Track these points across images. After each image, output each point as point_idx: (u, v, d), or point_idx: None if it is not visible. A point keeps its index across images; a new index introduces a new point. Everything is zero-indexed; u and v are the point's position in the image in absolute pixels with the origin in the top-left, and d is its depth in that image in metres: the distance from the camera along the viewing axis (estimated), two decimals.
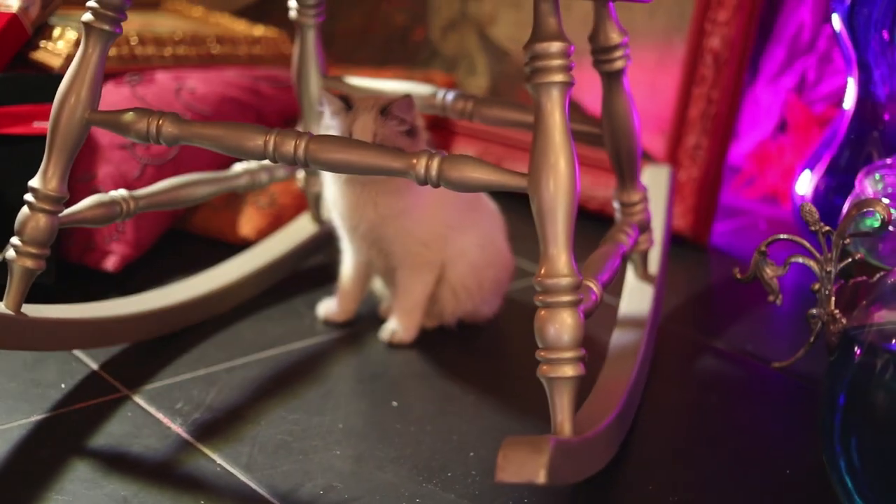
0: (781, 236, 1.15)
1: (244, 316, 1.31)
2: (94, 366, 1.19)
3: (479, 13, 1.75)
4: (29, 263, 1.06)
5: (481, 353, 1.28)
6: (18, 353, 1.19)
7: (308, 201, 1.42)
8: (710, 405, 1.18)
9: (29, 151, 1.33)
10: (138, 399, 1.13)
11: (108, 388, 1.15)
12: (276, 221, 1.48)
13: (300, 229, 1.41)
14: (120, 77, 1.51)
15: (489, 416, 1.13)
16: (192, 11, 1.82)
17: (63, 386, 1.15)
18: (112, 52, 1.51)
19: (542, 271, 0.91)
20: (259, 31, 1.71)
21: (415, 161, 0.94)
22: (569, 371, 0.91)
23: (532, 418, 1.12)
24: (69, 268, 1.36)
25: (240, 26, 1.74)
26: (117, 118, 1.04)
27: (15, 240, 1.06)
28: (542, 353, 0.92)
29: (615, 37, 1.17)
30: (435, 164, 0.94)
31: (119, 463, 1.02)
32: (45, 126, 1.28)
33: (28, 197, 1.06)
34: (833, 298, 1.10)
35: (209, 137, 1.01)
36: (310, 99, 1.31)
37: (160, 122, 1.02)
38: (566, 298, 0.91)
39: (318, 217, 1.42)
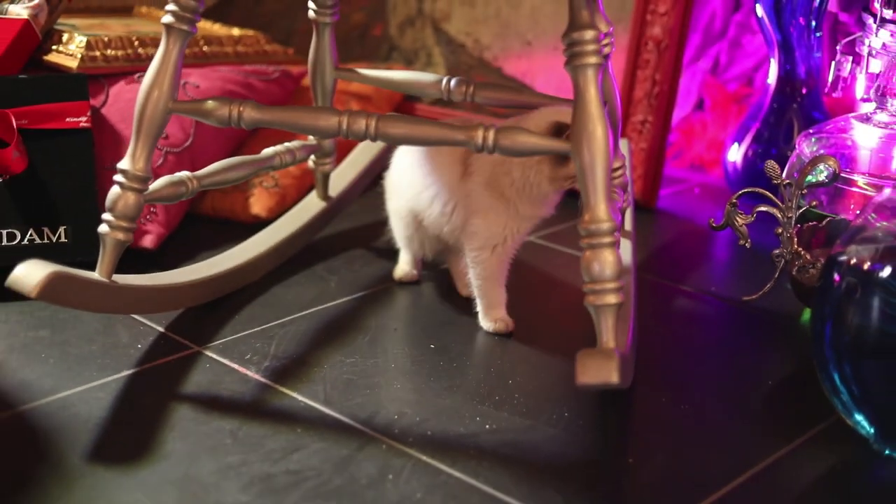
0: (749, 189, 1.37)
1: (276, 282, 1.48)
2: (160, 328, 1.34)
3: (433, 10, 1.94)
4: (120, 236, 1.21)
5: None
6: (89, 321, 1.34)
7: (315, 180, 1.59)
8: (691, 333, 1.40)
9: (65, 144, 1.47)
10: (210, 353, 1.29)
11: (180, 345, 1.30)
12: (283, 200, 1.64)
13: (311, 206, 1.58)
14: (130, 77, 1.65)
15: (516, 351, 1.33)
16: (160, 16, 1.96)
17: (139, 346, 1.30)
18: (119, 53, 1.66)
19: (586, 218, 1.11)
20: (236, 31, 1.86)
21: (473, 133, 1.13)
22: (612, 299, 1.11)
23: (551, 349, 1.33)
24: None
25: (215, 27, 1.89)
26: (200, 106, 1.20)
27: (107, 215, 1.21)
28: (589, 286, 1.11)
29: (602, 26, 1.35)
30: (491, 134, 1.13)
31: (214, 404, 1.19)
32: (78, 121, 1.44)
33: (118, 177, 1.21)
34: (795, 239, 1.33)
35: (287, 120, 1.18)
36: (325, 87, 1.48)
37: (241, 108, 1.18)
38: (607, 240, 1.11)
39: (324, 195, 1.59)
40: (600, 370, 1.02)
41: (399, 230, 1.44)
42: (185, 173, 1.28)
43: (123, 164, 1.20)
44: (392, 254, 1.52)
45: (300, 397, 1.20)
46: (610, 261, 1.11)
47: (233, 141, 1.69)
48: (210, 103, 1.18)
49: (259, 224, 1.60)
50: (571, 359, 1.07)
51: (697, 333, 1.41)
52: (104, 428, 1.13)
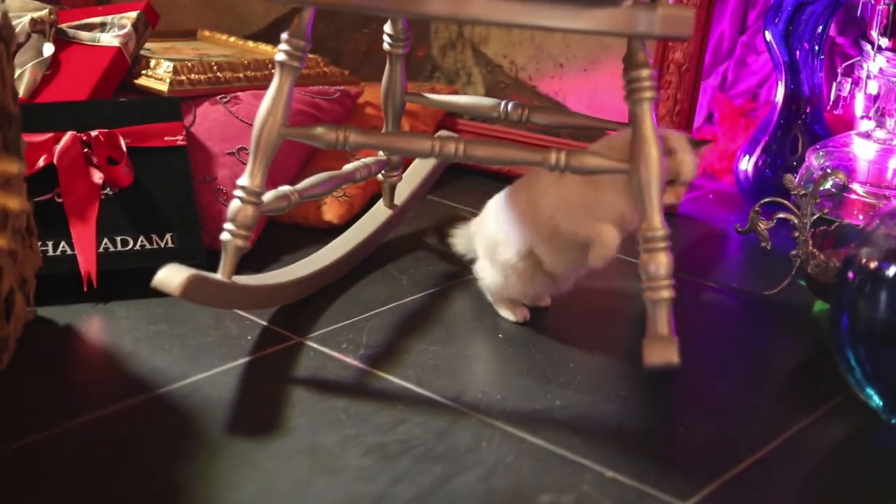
0: (770, 199, 1.59)
1: (355, 281, 1.68)
2: (264, 322, 1.54)
3: (473, 34, 2.15)
4: (239, 243, 1.41)
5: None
6: (199, 317, 1.54)
7: (383, 190, 1.79)
8: (719, 323, 1.62)
9: (165, 160, 1.68)
10: (311, 343, 1.49)
11: (284, 337, 1.51)
12: (351, 208, 1.85)
13: (379, 213, 1.78)
14: (213, 98, 1.85)
15: (570, 339, 1.54)
16: (225, 40, 2.16)
17: (248, 338, 1.50)
18: (201, 77, 1.86)
19: (644, 226, 1.33)
20: None
21: (548, 155, 1.34)
22: (665, 294, 1.33)
23: (598, 338, 1.54)
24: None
25: (272, 51, 2.09)
26: (309, 132, 1.40)
27: (228, 225, 1.41)
28: (646, 283, 1.33)
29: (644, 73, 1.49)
30: (563, 156, 1.34)
31: (323, 386, 1.39)
32: (174, 139, 1.64)
33: (238, 192, 1.41)
34: (810, 241, 1.55)
35: (387, 143, 1.39)
36: (395, 109, 1.69)
37: (346, 133, 1.39)
38: (661, 245, 1.32)
39: (390, 204, 1.80)
40: (664, 353, 1.23)
41: (515, 280, 1.52)
42: (287, 188, 1.49)
43: (242, 181, 1.41)
44: (451, 255, 1.72)
45: (395, 379, 1.41)
46: (664, 262, 1.32)
47: (304, 156, 1.89)
48: (319, 129, 1.39)
49: (330, 229, 1.80)
50: (618, 345, 1.28)
51: (724, 323, 1.62)
52: (234, 407, 1.34)
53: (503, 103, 1.65)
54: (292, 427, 1.29)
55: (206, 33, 2.18)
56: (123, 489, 1.16)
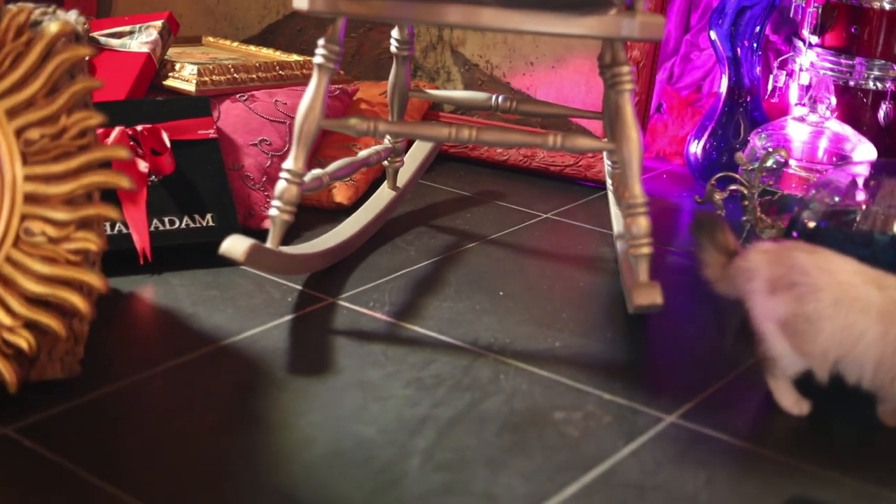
0: (723, 174, 1.89)
1: (369, 252, 1.95)
2: (299, 286, 1.80)
3: (451, 37, 2.43)
4: (286, 217, 1.67)
5: (537, 259, 1.97)
6: (243, 283, 1.79)
7: (387, 174, 2.06)
8: (681, 280, 1.91)
9: (200, 151, 1.93)
10: (343, 302, 1.76)
11: (318, 298, 1.77)
12: (357, 191, 2.11)
13: (384, 194, 2.05)
14: (233, 97, 2.10)
15: (559, 294, 1.83)
16: (228, 45, 2.41)
17: (289, 300, 1.76)
18: (222, 78, 2.11)
19: (626, 195, 1.61)
20: (296, 57, 2.32)
21: (546, 138, 1.62)
22: (645, 250, 1.61)
23: (581, 293, 1.83)
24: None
25: (275, 55, 2.34)
26: (345, 122, 1.67)
27: (276, 202, 1.67)
28: (630, 241, 1.61)
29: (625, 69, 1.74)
30: (559, 139, 1.62)
31: (361, 336, 1.66)
32: (207, 133, 1.89)
33: (283, 174, 1.66)
34: (758, 209, 1.85)
35: (410, 131, 1.66)
36: (401, 104, 1.96)
37: (376, 123, 1.65)
38: (641, 209, 1.61)
39: (394, 186, 2.07)
40: (650, 295, 1.52)
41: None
42: (319, 170, 1.75)
43: (287, 164, 1.66)
44: (447, 229, 2.00)
45: (420, 329, 1.68)
46: (644, 224, 1.61)
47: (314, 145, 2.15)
48: (353, 120, 1.65)
49: (340, 210, 2.06)
50: (601, 298, 1.57)
51: (687, 281, 1.92)
52: (289, 354, 1.60)
53: (494, 97, 1.92)
54: (341, 368, 1.56)
55: (211, 39, 2.43)
56: (207, 422, 1.42)
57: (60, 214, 1.37)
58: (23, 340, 1.36)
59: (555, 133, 1.62)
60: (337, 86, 2.26)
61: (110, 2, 2.65)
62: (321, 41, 1.65)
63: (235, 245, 1.57)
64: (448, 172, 2.35)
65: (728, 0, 2.22)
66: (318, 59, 1.65)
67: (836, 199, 1.67)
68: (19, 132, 1.37)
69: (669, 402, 1.51)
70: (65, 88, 1.38)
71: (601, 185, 2.23)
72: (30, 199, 1.37)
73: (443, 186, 2.28)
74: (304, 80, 2.25)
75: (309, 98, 1.65)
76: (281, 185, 1.66)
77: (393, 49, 1.93)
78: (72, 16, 1.78)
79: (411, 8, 1.55)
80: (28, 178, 1.37)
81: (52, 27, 1.38)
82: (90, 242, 1.38)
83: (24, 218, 1.37)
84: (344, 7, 1.58)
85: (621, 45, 1.60)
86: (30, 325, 1.37)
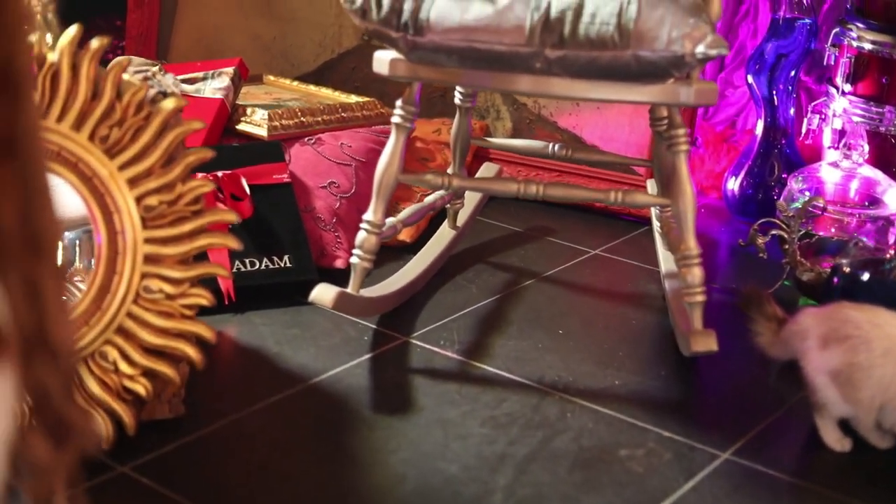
0: (766, 220, 2.03)
1: (434, 290, 2.09)
2: (373, 325, 1.94)
3: None
4: (366, 265, 1.81)
5: (590, 296, 2.11)
6: (322, 322, 1.93)
7: (448, 215, 2.20)
8: (726, 317, 2.05)
9: (275, 194, 2.07)
10: (415, 341, 1.90)
11: (392, 337, 1.91)
12: (418, 229, 2.25)
13: (445, 233, 2.19)
14: (302, 140, 2.25)
15: (614, 332, 1.97)
16: (288, 84, 2.56)
17: (365, 338, 1.90)
18: (291, 122, 2.25)
19: (682, 247, 1.75)
20: (352, 98, 2.46)
21: (609, 193, 1.77)
22: (699, 298, 1.75)
23: (634, 331, 1.97)
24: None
25: (335, 95, 2.48)
26: (420, 177, 1.81)
27: (357, 251, 1.81)
28: (685, 290, 1.76)
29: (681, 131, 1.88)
30: (620, 195, 1.77)
31: (435, 374, 1.80)
32: (281, 177, 2.04)
33: (363, 225, 1.80)
34: (798, 252, 1.99)
35: (481, 186, 1.80)
36: (463, 151, 2.10)
37: (450, 178, 1.80)
38: (695, 260, 1.75)
39: (454, 226, 2.21)
40: (706, 342, 1.67)
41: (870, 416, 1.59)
42: (393, 219, 1.89)
43: (368, 216, 1.81)
44: (503, 266, 2.14)
45: (489, 367, 1.82)
46: (698, 274, 1.75)
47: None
48: (429, 176, 1.80)
49: (404, 247, 2.21)
50: (652, 336, 1.72)
51: (729, 317, 2.06)
52: (372, 392, 1.74)
53: (551, 145, 2.06)
54: (421, 406, 1.70)
55: (271, 78, 2.57)
56: (304, 459, 1.57)
57: (176, 273, 1.51)
58: (141, 387, 1.51)
59: (616, 190, 1.76)
60: None
61: (168, 43, 2.79)
62: (399, 102, 1.79)
63: (324, 293, 1.72)
64: (499, 207, 2.49)
65: (766, 46, 2.36)
66: (395, 119, 1.79)
67: (872, 246, 1.81)
68: (139, 199, 1.51)
69: (723, 439, 1.66)
70: (180, 159, 1.52)
71: (643, 221, 2.37)
72: (149, 259, 1.51)
73: (496, 222, 2.42)
74: (365, 122, 2.39)
75: (388, 154, 1.79)
76: (361, 235, 1.80)
77: (457, 100, 2.07)
78: (169, 78, 1.93)
79: (486, 77, 1.69)
80: (147, 241, 1.51)
81: (168, 104, 1.52)
82: (202, 298, 1.53)
83: (143, 277, 1.51)
84: (422, 73, 1.72)
85: (677, 109, 1.74)
86: (147, 373, 1.51)
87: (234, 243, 1.52)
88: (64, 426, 0.69)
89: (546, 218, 2.45)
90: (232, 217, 1.53)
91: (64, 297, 0.68)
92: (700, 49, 1.57)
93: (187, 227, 1.52)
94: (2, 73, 0.60)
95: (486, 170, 2.35)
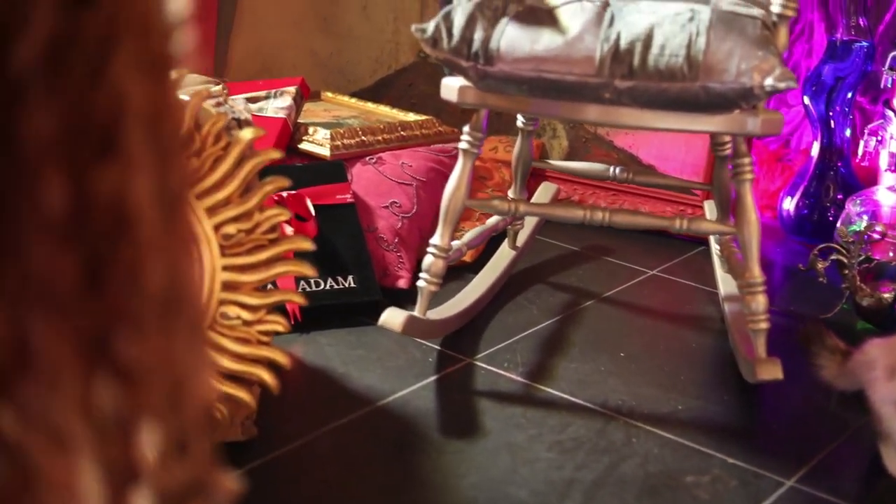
0: (826, 245, 2.04)
1: (496, 311, 2.12)
2: (437, 347, 1.97)
3: None
4: (433, 288, 1.84)
5: (649, 318, 2.13)
6: (387, 343, 1.96)
7: (508, 235, 2.23)
8: (785, 341, 2.07)
9: (338, 215, 2.10)
10: (479, 363, 1.93)
11: (456, 359, 1.94)
12: (478, 249, 2.28)
13: (505, 254, 2.22)
14: (363, 160, 2.28)
15: (675, 355, 1.99)
16: (346, 101, 2.59)
17: (430, 360, 1.93)
18: (352, 142, 2.28)
19: (746, 275, 1.77)
20: (409, 116, 2.49)
21: (674, 220, 1.79)
22: (763, 325, 1.77)
23: (695, 353, 1.99)
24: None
25: (393, 113, 2.51)
26: (487, 202, 1.83)
27: (424, 275, 1.84)
28: (749, 317, 1.77)
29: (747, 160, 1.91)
30: (685, 223, 1.79)
31: (500, 397, 1.83)
32: (344, 197, 2.06)
33: (431, 249, 1.83)
34: (857, 277, 2.01)
35: (547, 213, 1.83)
36: (524, 173, 2.12)
37: (517, 205, 1.82)
38: (760, 288, 1.77)
39: (514, 246, 2.23)
40: (772, 371, 1.68)
41: None
42: (458, 242, 1.92)
43: (435, 240, 1.83)
44: (563, 286, 2.16)
45: (553, 391, 1.85)
46: (762, 301, 1.77)
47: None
48: (496, 202, 1.82)
49: (464, 266, 2.23)
50: (713, 359, 1.73)
51: (784, 339, 2.07)
52: (440, 415, 1.77)
53: (612, 168, 2.09)
54: (489, 429, 1.73)
55: (329, 95, 2.60)
56: (375, 483, 1.59)
57: (254, 300, 1.55)
58: (218, 412, 1.54)
59: (680, 217, 1.79)
60: (454, 145, 2.42)
61: (224, 59, 2.82)
62: (466, 128, 1.82)
63: (393, 318, 1.75)
64: (556, 226, 2.51)
65: (823, 69, 2.37)
66: (462, 145, 1.82)
67: None
68: (218, 227, 1.54)
69: (787, 466, 1.67)
70: (257, 188, 1.56)
71: (699, 240, 2.38)
72: (227, 286, 1.54)
73: (553, 241, 2.44)
74: (424, 140, 2.42)
75: (455, 180, 1.82)
76: (428, 260, 1.83)
77: (519, 124, 2.09)
78: (240, 103, 1.96)
79: (554, 106, 1.71)
80: (225, 269, 1.54)
81: (246, 134, 1.55)
82: (279, 325, 1.56)
83: (221, 303, 1.54)
84: (491, 101, 1.75)
85: (742, 138, 1.76)
86: (223, 398, 1.55)
87: (309, 271, 1.55)
88: (201, 477, 0.71)
89: (602, 237, 2.47)
90: (308, 245, 1.56)
91: (204, 358, 0.70)
92: (769, 82, 1.59)
93: (264, 254, 1.55)
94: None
95: (545, 189, 2.37)
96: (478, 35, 1.68)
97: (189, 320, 0.66)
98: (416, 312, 1.83)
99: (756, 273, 1.76)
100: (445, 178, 2.26)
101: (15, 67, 0.51)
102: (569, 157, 2.54)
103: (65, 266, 0.53)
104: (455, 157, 2.29)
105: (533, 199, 2.33)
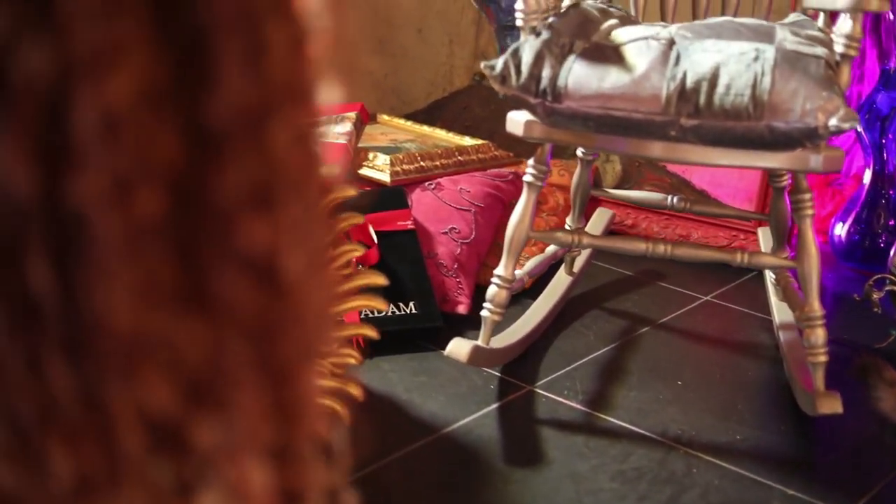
0: (881, 276, 2.07)
1: (554, 337, 2.16)
2: (497, 374, 2.01)
3: None
4: (496, 318, 1.88)
5: (705, 345, 2.17)
6: (447, 370, 2.00)
7: (566, 262, 2.26)
8: (839, 369, 2.10)
9: (399, 241, 2.14)
10: (539, 390, 1.97)
11: (517, 386, 1.98)
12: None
13: (564, 280, 2.25)
14: (422, 185, 2.32)
15: (731, 384, 2.02)
16: (403, 124, 2.63)
17: (491, 387, 1.97)
18: (411, 167, 2.32)
19: (805, 308, 1.80)
20: (465, 140, 2.53)
21: (735, 255, 1.82)
22: (822, 358, 1.80)
23: (751, 382, 2.02)
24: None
25: (449, 137, 2.55)
26: (551, 234, 1.87)
27: (488, 304, 1.88)
28: (808, 350, 1.81)
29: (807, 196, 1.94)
30: (747, 256, 1.82)
31: (562, 425, 1.86)
32: (405, 224, 2.10)
33: (495, 280, 1.87)
34: None
35: (610, 245, 1.86)
36: (583, 202, 2.16)
37: (580, 237, 1.86)
38: (819, 322, 1.80)
39: (570, 272, 2.27)
40: (831, 405, 1.71)
41: None
42: (520, 272, 1.96)
43: (499, 271, 1.87)
44: (618, 312, 2.20)
45: (614, 420, 1.88)
46: (821, 335, 1.80)
47: (495, 230, 2.37)
48: (559, 234, 1.86)
49: (523, 291, 2.27)
50: (770, 388, 1.76)
51: (838, 369, 2.10)
52: (503, 444, 1.81)
53: (669, 197, 2.12)
54: (552, 459, 1.76)
55: (385, 118, 2.64)
56: None
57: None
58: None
59: (742, 252, 1.82)
60: (510, 170, 2.46)
61: None
62: (531, 161, 1.85)
63: (459, 348, 1.79)
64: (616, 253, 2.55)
65: (877, 97, 2.40)
66: (527, 178, 1.86)
67: None
68: None
69: (845, 498, 1.70)
70: (332, 223, 1.60)
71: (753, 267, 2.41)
72: None
73: (607, 265, 2.48)
74: (480, 165, 2.45)
75: (519, 212, 1.86)
76: (492, 290, 1.87)
77: (579, 154, 2.13)
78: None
79: (620, 142, 1.75)
80: None
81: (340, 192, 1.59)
82: (352, 357, 1.60)
83: None
84: (557, 136, 1.78)
85: (804, 175, 1.79)
86: None
87: (381, 304, 1.59)
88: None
89: (655, 261, 2.50)
90: (382, 281, 1.60)
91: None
92: (833, 122, 1.62)
93: (339, 289, 1.59)
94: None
95: (600, 215, 2.41)
96: (546, 72, 1.72)
97: (318, 361, 0.73)
98: (480, 342, 1.87)
99: (815, 307, 1.79)
100: (502, 203, 2.31)
101: (213, 123, 0.57)
102: (622, 182, 2.57)
103: (255, 301, 0.60)
104: (511, 183, 2.34)
105: (589, 225, 2.36)
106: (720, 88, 1.66)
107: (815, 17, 1.89)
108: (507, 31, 2.67)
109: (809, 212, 1.79)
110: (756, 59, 1.67)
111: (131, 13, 0.56)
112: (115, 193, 0.61)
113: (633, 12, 2.07)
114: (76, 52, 0.57)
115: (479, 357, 1.82)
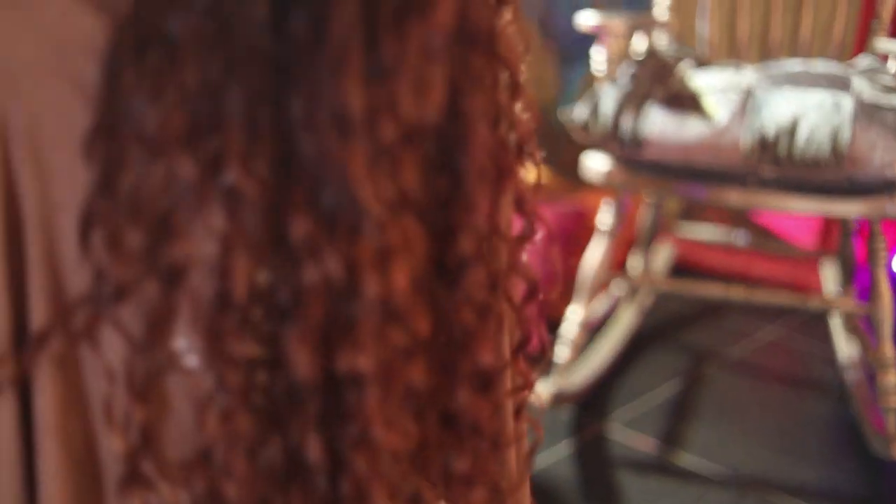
0: None
1: (622, 371, 2.20)
2: (569, 407, 2.05)
3: None
4: (572, 358, 1.92)
5: (771, 383, 2.20)
6: None
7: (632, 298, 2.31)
8: None
9: None
10: (610, 425, 2.01)
11: (588, 420, 2.02)
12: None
13: (631, 315, 2.30)
14: None
15: (800, 422, 2.06)
16: None
17: (563, 419, 2.01)
18: None
19: (878, 352, 1.84)
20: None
21: (809, 299, 1.86)
22: (895, 403, 1.84)
23: (818, 418, 2.06)
24: None
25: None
26: (629, 280, 1.91)
27: (563, 346, 1.92)
28: (882, 394, 1.84)
29: (882, 242, 1.97)
30: (820, 301, 1.85)
31: (633, 464, 1.90)
32: None
33: (570, 320, 1.92)
34: None
35: (689, 290, 1.90)
36: (649, 243, 2.20)
37: (657, 282, 1.90)
38: (892, 366, 1.84)
39: (638, 307, 2.31)
40: None
41: None
42: (594, 311, 2.00)
43: (574, 312, 1.91)
44: (683, 346, 2.24)
45: (685, 458, 1.92)
46: (893, 379, 1.83)
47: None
48: (634, 277, 1.90)
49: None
50: (835, 425, 1.80)
51: None
52: (579, 484, 1.85)
53: (733, 234, 2.16)
54: (627, 499, 1.81)
55: None
56: None
57: None
58: None
59: (816, 296, 1.85)
60: (575, 204, 2.50)
61: None
62: (607, 209, 1.90)
63: (541, 392, 1.83)
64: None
65: None
66: (603, 226, 1.90)
67: None
68: None
69: None
70: None
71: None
72: None
73: (673, 298, 2.52)
74: (545, 196, 2.49)
75: (596, 257, 1.90)
76: (568, 330, 1.91)
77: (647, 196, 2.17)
78: None
79: (698, 189, 1.79)
80: None
81: None
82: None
83: None
84: (637, 183, 1.82)
85: (879, 222, 1.83)
86: None
87: None
88: None
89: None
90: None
91: None
92: None
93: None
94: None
95: (664, 252, 2.44)
96: (626, 123, 1.76)
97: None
98: (558, 383, 1.92)
99: (888, 351, 1.83)
100: (571, 238, 2.35)
101: (459, 256, 0.73)
102: (684, 215, 2.61)
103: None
104: (578, 216, 2.38)
105: (653, 260, 2.40)
106: (800, 140, 1.70)
107: (884, 59, 1.92)
108: (568, 61, 2.71)
109: (883, 256, 1.83)
110: (835, 110, 1.71)
111: (410, 211, 0.64)
112: (389, 364, 0.67)
113: (705, 50, 2.11)
114: (366, 252, 0.64)
115: (559, 398, 1.87)
